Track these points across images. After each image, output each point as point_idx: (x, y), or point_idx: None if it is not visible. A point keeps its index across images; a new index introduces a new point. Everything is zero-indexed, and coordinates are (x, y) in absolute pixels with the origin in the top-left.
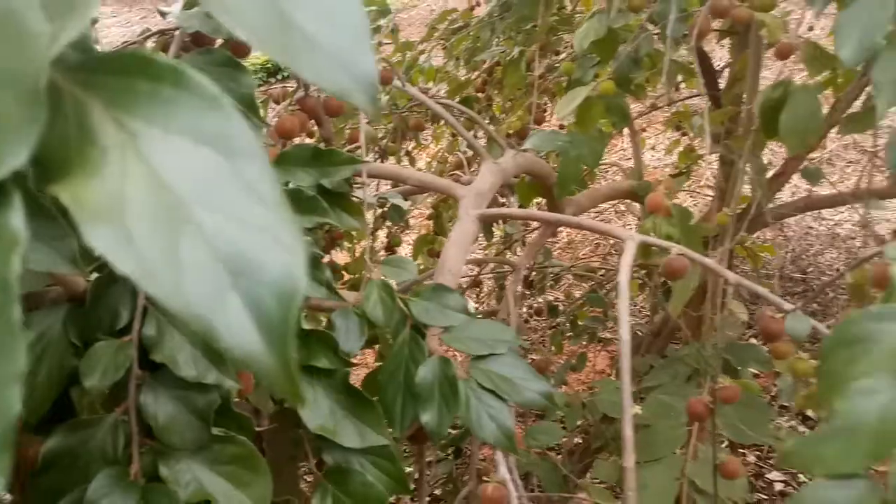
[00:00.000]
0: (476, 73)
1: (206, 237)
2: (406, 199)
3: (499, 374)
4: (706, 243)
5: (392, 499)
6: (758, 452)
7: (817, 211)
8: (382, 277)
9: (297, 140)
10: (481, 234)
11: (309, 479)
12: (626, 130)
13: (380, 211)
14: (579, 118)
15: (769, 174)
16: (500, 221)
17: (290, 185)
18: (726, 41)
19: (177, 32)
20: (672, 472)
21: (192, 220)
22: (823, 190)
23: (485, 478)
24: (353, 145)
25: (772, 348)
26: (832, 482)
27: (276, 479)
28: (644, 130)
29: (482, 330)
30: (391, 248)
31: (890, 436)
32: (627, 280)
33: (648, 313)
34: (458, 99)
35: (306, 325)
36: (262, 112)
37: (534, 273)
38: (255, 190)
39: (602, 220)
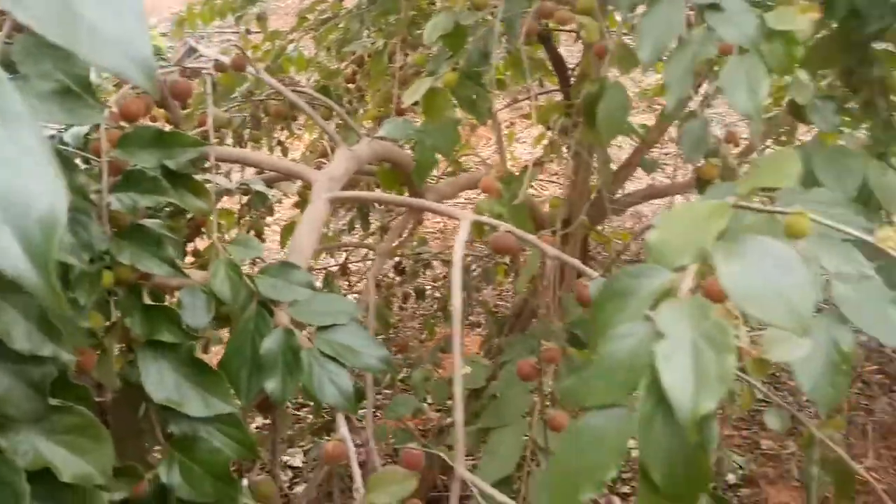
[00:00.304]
0: (345, 63)
1: None
2: (271, 187)
3: (340, 343)
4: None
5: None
6: None
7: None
8: (229, 256)
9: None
10: (357, 224)
11: (157, 455)
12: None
13: (245, 199)
14: (426, 108)
15: (616, 166)
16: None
17: (135, 166)
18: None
19: None
20: (518, 434)
21: None
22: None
23: (325, 436)
24: (202, 128)
25: (586, 312)
26: (599, 411)
27: (122, 453)
28: (513, 124)
29: (326, 303)
30: (257, 235)
31: (638, 370)
32: (461, 254)
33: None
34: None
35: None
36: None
37: (406, 260)
38: (23, 144)
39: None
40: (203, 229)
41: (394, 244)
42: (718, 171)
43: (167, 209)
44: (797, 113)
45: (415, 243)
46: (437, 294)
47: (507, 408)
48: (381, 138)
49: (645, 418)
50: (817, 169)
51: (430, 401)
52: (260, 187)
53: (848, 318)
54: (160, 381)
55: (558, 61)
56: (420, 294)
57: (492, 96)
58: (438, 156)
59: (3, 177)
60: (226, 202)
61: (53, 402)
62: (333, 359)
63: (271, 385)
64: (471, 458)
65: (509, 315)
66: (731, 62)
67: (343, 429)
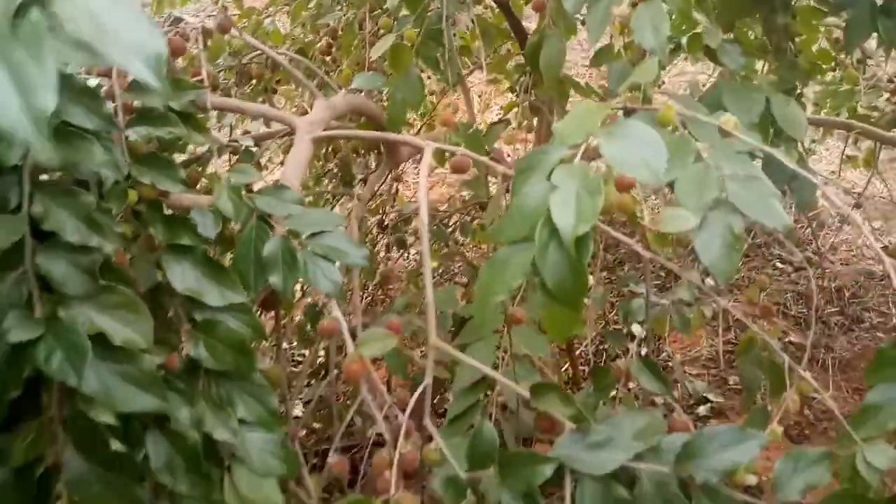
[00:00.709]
0: (319, 36)
1: None
2: (257, 146)
3: (329, 245)
4: None
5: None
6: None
7: None
8: (231, 181)
9: None
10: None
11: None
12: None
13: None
14: (392, 62)
15: None
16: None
17: (143, 104)
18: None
19: None
20: (491, 345)
21: None
22: None
23: (322, 316)
24: (197, 78)
25: None
26: (510, 246)
27: (155, 339)
28: (485, 94)
29: (316, 216)
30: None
31: (538, 214)
32: (426, 175)
33: None
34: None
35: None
36: None
37: (388, 217)
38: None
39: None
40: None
41: (371, 192)
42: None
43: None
44: (710, 55)
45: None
46: (418, 247)
47: (479, 324)
48: (355, 90)
49: (542, 245)
50: (725, 99)
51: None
52: (248, 142)
53: (739, 209)
54: (183, 276)
55: (518, 29)
56: (402, 244)
57: (459, 61)
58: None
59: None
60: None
61: (102, 282)
62: (324, 257)
63: (274, 279)
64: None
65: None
66: (640, 8)
67: (336, 310)
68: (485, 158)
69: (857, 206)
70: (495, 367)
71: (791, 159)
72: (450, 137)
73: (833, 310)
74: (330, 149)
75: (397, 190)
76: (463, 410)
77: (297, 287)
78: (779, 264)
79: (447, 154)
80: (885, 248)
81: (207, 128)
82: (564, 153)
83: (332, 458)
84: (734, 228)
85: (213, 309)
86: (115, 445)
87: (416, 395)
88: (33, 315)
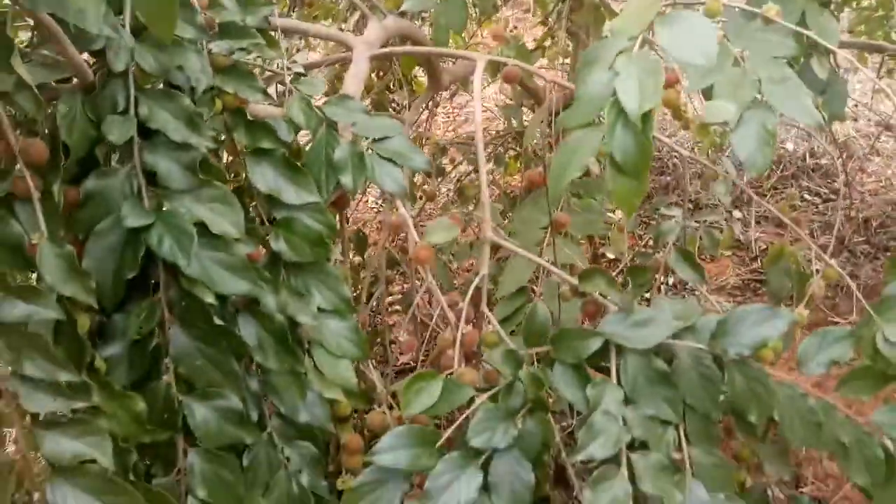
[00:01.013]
0: None
1: None
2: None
3: (392, 150)
4: None
5: None
6: None
7: None
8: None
9: None
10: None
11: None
12: None
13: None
14: None
15: None
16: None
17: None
18: None
19: None
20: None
21: None
22: None
23: (391, 212)
24: None
25: None
26: (580, 130)
27: None
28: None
29: (378, 122)
30: None
31: (604, 99)
32: (479, 84)
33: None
34: None
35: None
36: None
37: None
38: None
39: None
40: None
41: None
42: None
43: None
44: None
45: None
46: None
47: (522, 240)
48: (403, 13)
49: (610, 125)
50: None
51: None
52: (298, 69)
53: (774, 107)
54: (263, 177)
55: None
56: (441, 172)
57: None
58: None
59: None
60: None
61: (201, 177)
62: (389, 160)
63: (345, 179)
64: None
65: (521, 192)
66: None
67: (402, 208)
68: (534, 68)
69: (888, 128)
70: (535, 280)
71: (823, 69)
72: (501, 51)
73: (860, 239)
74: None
75: (432, 118)
76: (511, 312)
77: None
78: (807, 196)
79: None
80: None
81: (279, 42)
82: (624, 44)
83: (403, 338)
84: (768, 126)
85: (290, 207)
86: (217, 321)
87: (474, 284)
88: (143, 205)
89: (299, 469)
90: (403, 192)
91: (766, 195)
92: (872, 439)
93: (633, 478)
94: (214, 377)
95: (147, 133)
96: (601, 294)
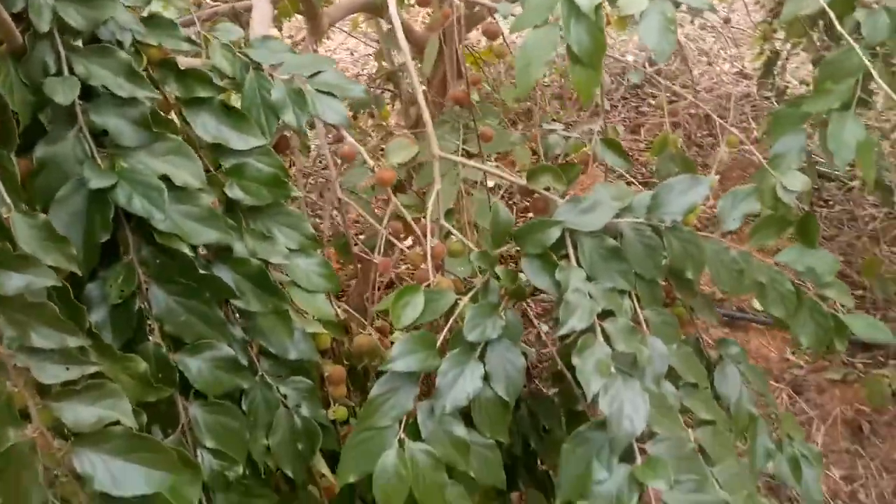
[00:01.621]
0: None
1: None
2: None
3: (328, 83)
4: None
5: None
6: None
7: None
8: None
9: None
10: None
11: None
12: None
13: None
14: None
15: None
16: None
17: None
18: None
19: None
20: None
21: None
22: None
23: (339, 144)
24: None
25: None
26: (535, 30)
27: None
28: None
29: (307, 60)
30: None
31: (552, 2)
32: (395, 8)
33: None
34: None
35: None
36: None
37: None
38: None
39: None
40: None
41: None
42: None
43: None
44: None
45: None
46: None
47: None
48: None
49: (565, 20)
50: None
51: None
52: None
53: None
54: (205, 126)
55: None
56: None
57: None
58: None
59: None
60: None
61: (155, 130)
62: (327, 93)
63: (288, 117)
64: None
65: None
66: None
67: (349, 137)
68: None
69: (727, 21)
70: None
71: None
72: None
73: (704, 133)
74: None
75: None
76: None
77: None
78: (651, 102)
79: None
80: (739, 72)
81: None
82: None
83: (378, 259)
84: (668, 14)
85: (237, 153)
86: (198, 271)
87: (432, 200)
88: (100, 165)
89: (297, 404)
90: (347, 123)
91: (617, 105)
92: (783, 276)
93: (607, 341)
94: (201, 329)
95: (87, 93)
96: (547, 189)
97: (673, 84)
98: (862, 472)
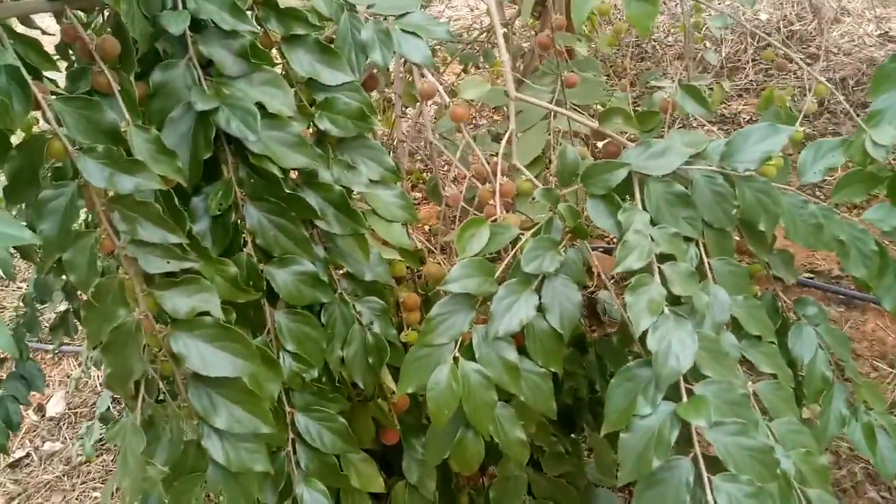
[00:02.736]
0: None
1: None
2: None
3: (414, 24)
4: None
5: None
6: None
7: None
8: None
9: None
10: None
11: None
12: None
13: None
14: None
15: None
16: None
17: None
18: None
19: None
20: (541, 132)
21: None
22: None
23: (418, 84)
24: None
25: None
26: None
27: None
28: None
29: (398, 2)
30: None
31: None
32: None
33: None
34: None
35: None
36: None
37: None
38: None
39: None
40: None
41: None
42: None
43: None
44: None
45: None
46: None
47: (530, 117)
48: None
49: None
50: None
51: None
52: None
53: None
54: (300, 62)
55: None
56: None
57: None
58: None
59: None
60: None
61: (254, 61)
62: (413, 33)
63: (375, 55)
64: None
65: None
66: None
67: (430, 77)
68: None
69: None
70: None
71: None
72: None
73: (840, 99)
74: None
75: None
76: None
77: None
78: (789, 66)
79: None
80: (885, 34)
81: None
82: None
83: (448, 191)
84: None
85: (328, 88)
86: (286, 191)
87: (504, 140)
88: (205, 89)
89: (371, 322)
90: (430, 62)
91: (744, 68)
92: (867, 236)
93: (664, 283)
94: (287, 245)
95: (197, 26)
96: (621, 131)
97: (808, 47)
98: None
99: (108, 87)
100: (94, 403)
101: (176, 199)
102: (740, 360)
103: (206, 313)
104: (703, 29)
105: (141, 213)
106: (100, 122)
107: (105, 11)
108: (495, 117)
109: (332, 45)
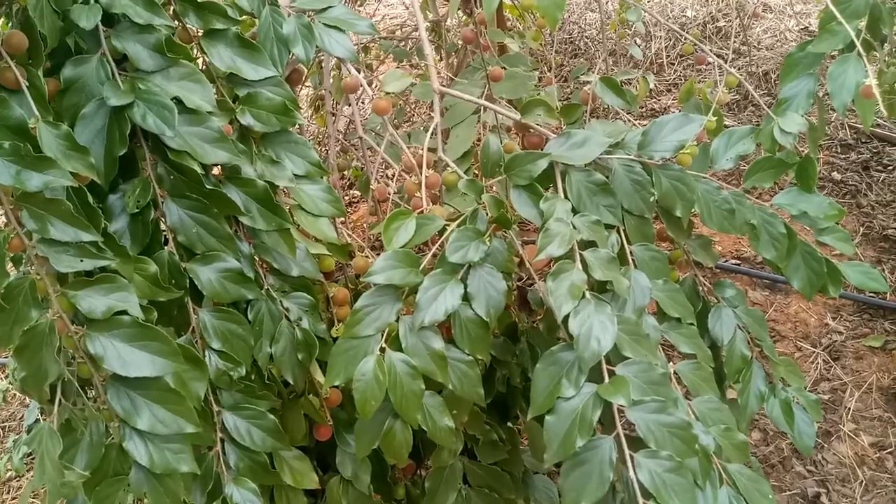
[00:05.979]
0: None
1: None
2: None
3: (336, 18)
4: None
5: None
6: None
7: None
8: None
9: None
10: None
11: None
12: None
13: None
14: None
15: None
16: None
17: None
18: None
19: None
20: (472, 126)
21: None
22: None
23: (343, 78)
24: None
25: None
26: None
27: None
28: None
29: None
30: None
31: None
32: None
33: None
34: None
35: None
36: None
37: None
38: None
39: None
40: None
41: None
42: None
43: None
44: None
45: None
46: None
47: (460, 111)
48: None
49: None
50: None
51: None
52: None
53: None
54: (220, 56)
55: None
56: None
57: None
58: None
59: None
60: None
61: (170, 56)
62: (335, 27)
63: (298, 50)
64: None
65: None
66: None
67: (353, 70)
68: None
69: None
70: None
71: None
72: None
73: (762, 92)
74: None
75: None
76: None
77: None
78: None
79: None
80: (805, 28)
81: None
82: None
83: (373, 185)
84: None
85: (250, 83)
86: (207, 187)
87: (430, 131)
88: (119, 84)
89: (299, 317)
90: (353, 56)
91: (673, 63)
92: (776, 219)
93: (586, 269)
94: (211, 242)
95: (111, 20)
96: (541, 124)
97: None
98: (892, 440)
99: (15, 83)
100: (23, 417)
101: (90, 197)
102: (662, 343)
103: (124, 312)
104: (633, 26)
105: (51, 211)
106: (7, 118)
107: (13, 6)
108: (431, 113)
109: (254, 40)
